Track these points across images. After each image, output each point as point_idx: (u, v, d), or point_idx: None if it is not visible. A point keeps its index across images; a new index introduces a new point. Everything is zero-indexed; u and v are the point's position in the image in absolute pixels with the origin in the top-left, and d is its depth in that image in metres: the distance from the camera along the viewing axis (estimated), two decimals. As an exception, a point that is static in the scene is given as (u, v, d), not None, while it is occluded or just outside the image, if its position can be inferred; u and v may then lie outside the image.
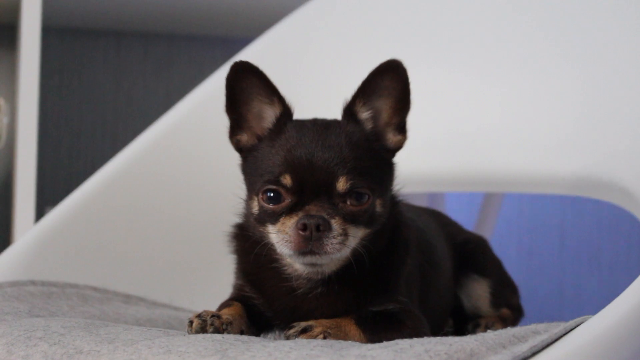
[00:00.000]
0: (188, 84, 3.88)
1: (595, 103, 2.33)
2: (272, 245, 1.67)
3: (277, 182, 1.64)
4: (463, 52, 2.61)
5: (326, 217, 1.60)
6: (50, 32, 3.98)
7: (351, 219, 1.63)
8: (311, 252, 1.60)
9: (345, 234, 1.61)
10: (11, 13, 3.52)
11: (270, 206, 1.65)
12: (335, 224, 1.61)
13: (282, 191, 1.64)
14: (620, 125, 2.24)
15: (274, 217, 1.65)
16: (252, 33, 3.43)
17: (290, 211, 1.63)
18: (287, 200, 1.64)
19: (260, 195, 1.66)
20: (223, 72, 2.59)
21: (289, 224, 1.62)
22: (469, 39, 2.61)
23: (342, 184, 1.62)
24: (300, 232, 1.59)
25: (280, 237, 1.63)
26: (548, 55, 2.47)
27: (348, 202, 1.63)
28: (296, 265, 1.70)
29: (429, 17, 2.68)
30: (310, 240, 1.59)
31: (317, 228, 1.59)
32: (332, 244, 1.60)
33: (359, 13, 2.78)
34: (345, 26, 2.77)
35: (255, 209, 1.69)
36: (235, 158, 1.80)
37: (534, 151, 2.42)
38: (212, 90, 2.62)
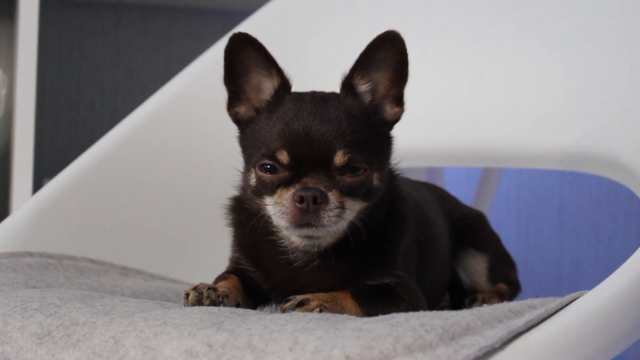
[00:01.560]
0: (187, 56, 3.85)
1: (593, 78, 2.33)
2: (269, 217, 1.67)
3: (273, 157, 1.64)
4: (461, 28, 2.61)
5: (323, 189, 1.60)
6: (48, 3, 3.97)
7: (348, 192, 1.63)
8: (308, 225, 1.60)
9: (342, 207, 1.61)
10: (9, -16, 3.51)
11: (268, 175, 1.65)
12: (333, 197, 1.60)
13: (278, 166, 1.64)
14: (618, 101, 2.24)
15: (271, 189, 1.65)
16: (251, 6, 3.41)
17: (287, 183, 1.63)
18: (284, 173, 1.64)
19: (257, 168, 1.66)
20: (222, 44, 2.58)
21: (286, 195, 1.62)
22: (467, 15, 2.60)
23: (339, 158, 1.62)
24: (297, 204, 1.59)
25: (277, 209, 1.63)
26: (546, 31, 2.47)
27: (345, 175, 1.63)
28: (293, 237, 1.70)
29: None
30: (307, 213, 1.59)
31: (314, 200, 1.59)
32: (328, 216, 1.60)
33: (359, -14, 2.77)
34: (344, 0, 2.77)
35: (252, 181, 1.69)
36: (233, 131, 1.79)
37: (532, 126, 2.42)
38: (211, 62, 2.61)
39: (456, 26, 2.61)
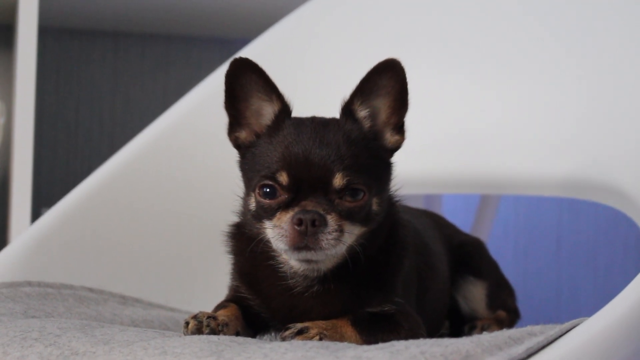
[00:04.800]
0: (185, 84, 3.87)
1: (592, 105, 2.33)
2: (268, 241, 1.67)
3: (273, 178, 1.64)
4: (461, 54, 2.61)
5: (322, 212, 1.60)
6: (47, 32, 3.98)
7: (347, 216, 1.63)
8: (306, 248, 1.60)
9: (340, 230, 1.61)
10: (8, 13, 3.52)
11: (267, 201, 1.65)
12: (331, 220, 1.60)
13: (278, 188, 1.64)
14: (617, 128, 2.24)
15: (270, 213, 1.65)
16: (249, 34, 3.43)
17: (286, 206, 1.63)
18: (283, 196, 1.64)
19: (257, 191, 1.66)
20: (221, 72, 2.60)
21: (285, 218, 1.62)
22: (467, 41, 2.61)
23: (338, 180, 1.62)
24: (296, 227, 1.59)
25: (276, 232, 1.63)
26: (546, 58, 2.48)
27: (344, 199, 1.63)
28: (292, 261, 1.70)
29: (427, 18, 2.69)
30: (305, 235, 1.59)
31: (313, 223, 1.59)
32: (327, 239, 1.60)
33: (357, 14, 2.78)
34: (343, 27, 2.78)
35: (252, 205, 1.69)
36: (232, 159, 1.80)
37: (530, 153, 2.42)
38: (210, 90, 2.62)
39: (454, 53, 2.62)
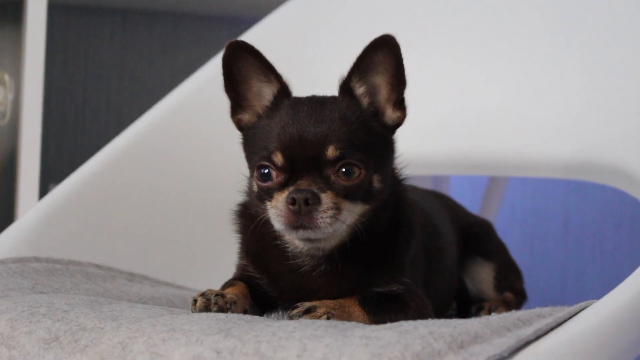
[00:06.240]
0: (193, 63, 3.86)
1: (599, 87, 2.33)
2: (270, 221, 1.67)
3: (269, 159, 1.65)
4: (467, 35, 2.61)
5: (316, 191, 1.60)
6: (56, 9, 3.97)
7: (345, 194, 1.63)
8: (302, 227, 1.61)
9: (337, 208, 1.61)
10: (17, -11, 3.52)
11: (264, 184, 1.66)
12: (325, 198, 1.60)
13: (274, 168, 1.65)
14: (624, 109, 2.24)
15: (269, 194, 1.66)
16: (258, 12, 3.42)
17: (282, 187, 1.64)
18: (280, 177, 1.64)
19: (255, 173, 1.67)
20: (228, 51, 2.59)
21: (280, 198, 1.62)
22: (473, 22, 2.60)
23: (330, 152, 1.62)
24: (290, 207, 1.60)
25: (273, 212, 1.63)
26: (552, 39, 2.47)
27: (340, 177, 1.63)
28: (295, 241, 1.70)
29: (435, -1, 2.68)
30: (299, 214, 1.59)
31: (306, 202, 1.59)
32: (322, 217, 1.60)
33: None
34: (350, 7, 2.77)
35: (255, 186, 1.70)
36: (238, 138, 1.80)
37: (538, 135, 2.42)
38: (218, 69, 2.59)
39: (462, 33, 2.61)
